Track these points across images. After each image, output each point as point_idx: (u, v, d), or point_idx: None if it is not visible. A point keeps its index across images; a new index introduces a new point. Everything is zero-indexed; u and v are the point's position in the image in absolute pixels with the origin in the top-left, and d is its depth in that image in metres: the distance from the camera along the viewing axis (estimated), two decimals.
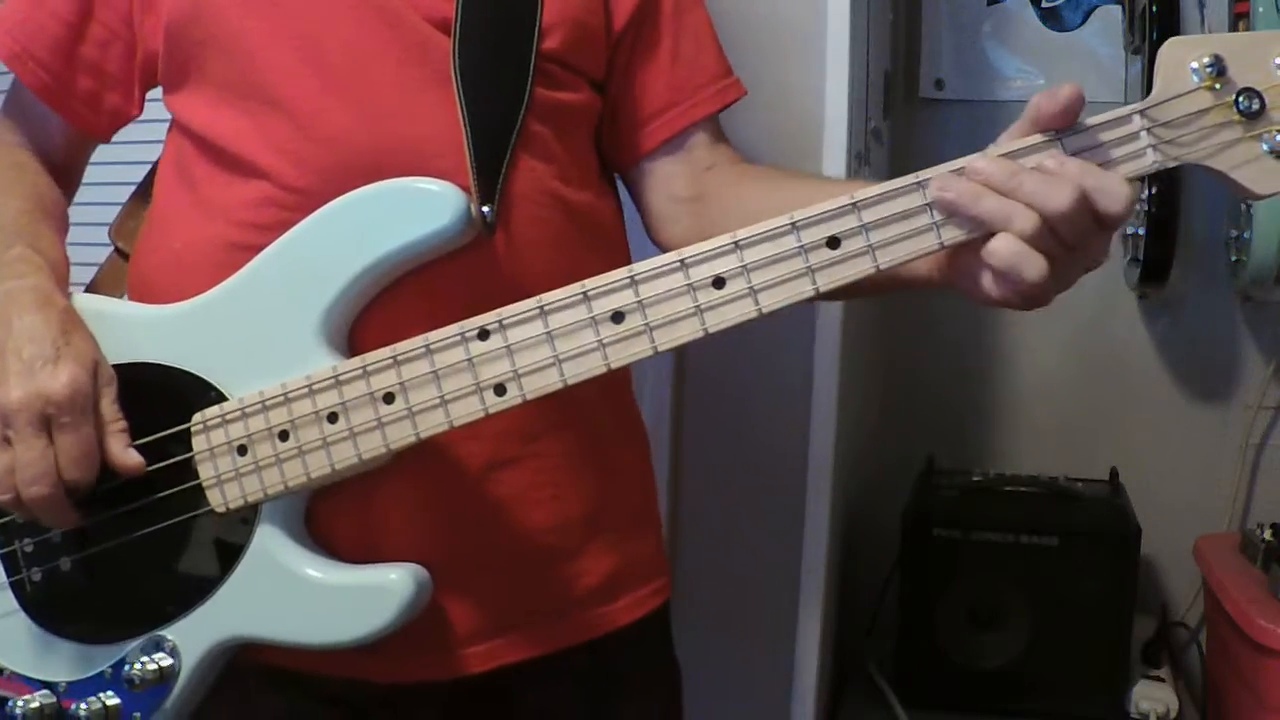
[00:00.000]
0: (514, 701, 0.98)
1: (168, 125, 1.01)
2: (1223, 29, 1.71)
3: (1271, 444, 1.83)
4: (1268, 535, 1.54)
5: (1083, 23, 1.86)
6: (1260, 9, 1.56)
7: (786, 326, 1.41)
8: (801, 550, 1.45)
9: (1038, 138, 0.78)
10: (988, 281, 0.79)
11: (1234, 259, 1.71)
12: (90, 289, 1.05)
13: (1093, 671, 1.54)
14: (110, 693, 0.90)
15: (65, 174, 1.04)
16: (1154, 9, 1.57)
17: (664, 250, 1.05)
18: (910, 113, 1.93)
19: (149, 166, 1.08)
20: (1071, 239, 0.76)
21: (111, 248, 1.08)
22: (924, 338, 1.92)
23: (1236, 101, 0.77)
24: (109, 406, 0.88)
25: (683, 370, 1.46)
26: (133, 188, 1.10)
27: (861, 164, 1.52)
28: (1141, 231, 1.65)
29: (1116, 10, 1.82)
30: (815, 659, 1.45)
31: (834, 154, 1.40)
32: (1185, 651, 1.82)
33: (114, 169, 1.13)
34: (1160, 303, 1.85)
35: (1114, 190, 0.76)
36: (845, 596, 1.69)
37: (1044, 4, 1.87)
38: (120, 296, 1.04)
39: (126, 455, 0.88)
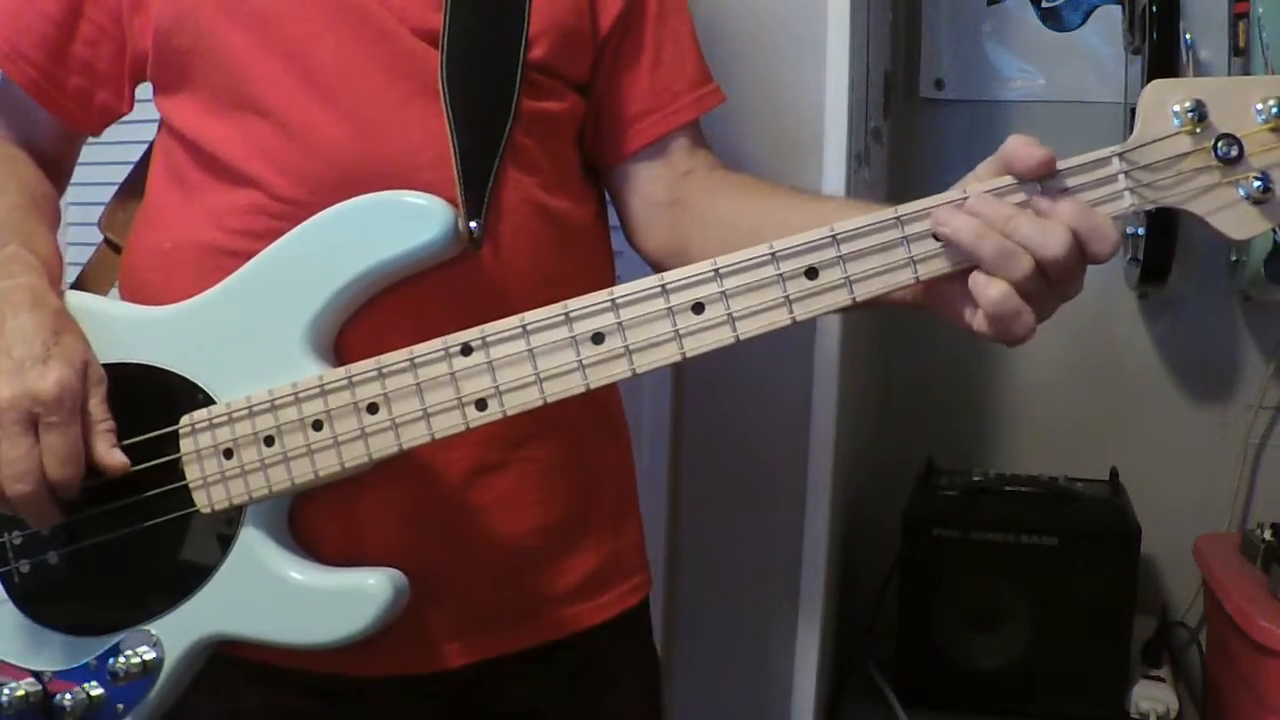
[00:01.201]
0: (497, 695, 0.99)
1: (159, 118, 1.00)
2: (1221, 33, 1.71)
3: (1271, 444, 1.83)
4: (1268, 535, 1.54)
5: (1083, 23, 1.86)
6: (1260, 9, 1.56)
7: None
8: (801, 550, 1.45)
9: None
10: (969, 314, 0.80)
11: (1234, 259, 1.71)
12: (79, 280, 1.05)
13: (1093, 671, 1.54)
14: (94, 683, 0.91)
15: (55, 168, 1.04)
16: (1154, 9, 1.57)
17: (641, 254, 1.06)
18: (910, 113, 1.93)
19: (139, 158, 1.07)
20: (1059, 278, 0.78)
21: (101, 239, 1.07)
22: (924, 338, 1.92)
23: (1215, 147, 0.78)
24: (97, 406, 0.88)
25: (683, 370, 1.47)
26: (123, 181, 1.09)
27: (861, 164, 1.52)
28: (1141, 231, 1.65)
29: (1116, 10, 1.82)
30: (815, 659, 1.45)
31: (834, 154, 1.40)
32: (1185, 651, 1.82)
33: (107, 168, 1.13)
34: (1160, 303, 1.85)
35: (1104, 233, 0.77)
36: (845, 596, 1.69)
37: (1044, 4, 1.87)
38: (110, 288, 1.05)
39: (111, 455, 0.88)
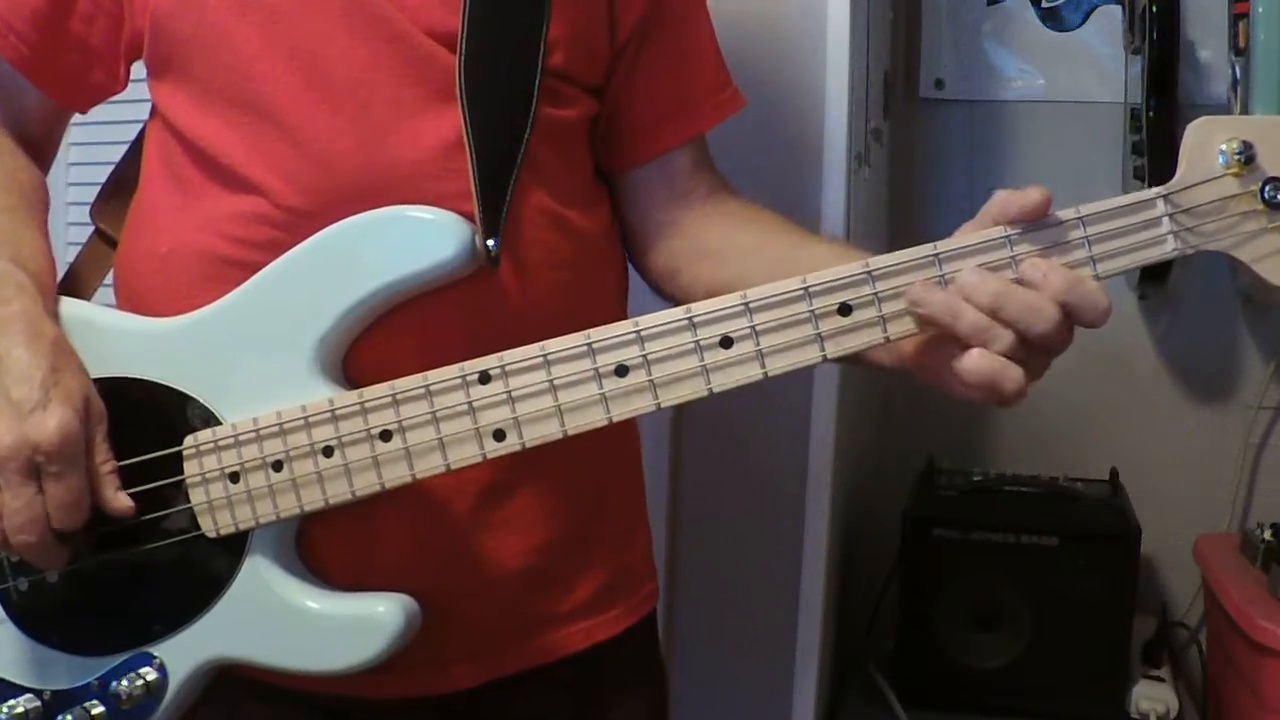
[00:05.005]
0: (505, 711, 0.97)
1: (151, 103, 0.97)
2: (1222, 33, 1.71)
3: (1271, 444, 1.83)
4: (1268, 535, 1.54)
5: (1083, 23, 1.86)
6: (1260, 9, 1.56)
7: None
8: (802, 550, 1.45)
9: (1067, 213, 0.77)
10: (958, 385, 0.79)
11: None
12: (70, 274, 1.02)
13: (1093, 671, 1.54)
14: (96, 703, 0.89)
15: (41, 149, 1.01)
16: (1154, 9, 1.57)
17: (637, 269, 1.04)
18: (910, 113, 1.93)
19: (130, 144, 1.04)
20: (1046, 346, 0.77)
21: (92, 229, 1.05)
22: None
23: (1262, 191, 0.75)
24: (99, 447, 0.85)
25: None
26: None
27: (861, 164, 1.52)
28: None
29: (1116, 10, 1.82)
30: (815, 659, 1.45)
31: (834, 154, 1.40)
32: (1185, 651, 1.82)
33: (109, 168, 1.11)
34: (1160, 303, 1.85)
35: (1095, 302, 0.76)
36: (845, 596, 1.69)
37: (1044, 4, 1.87)
38: (100, 281, 1.02)
39: (117, 499, 0.85)
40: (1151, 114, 1.57)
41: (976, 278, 0.77)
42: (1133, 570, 1.54)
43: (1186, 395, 1.87)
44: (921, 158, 1.92)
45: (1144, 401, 1.87)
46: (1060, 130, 1.84)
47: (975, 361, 0.76)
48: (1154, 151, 1.57)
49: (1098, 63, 1.85)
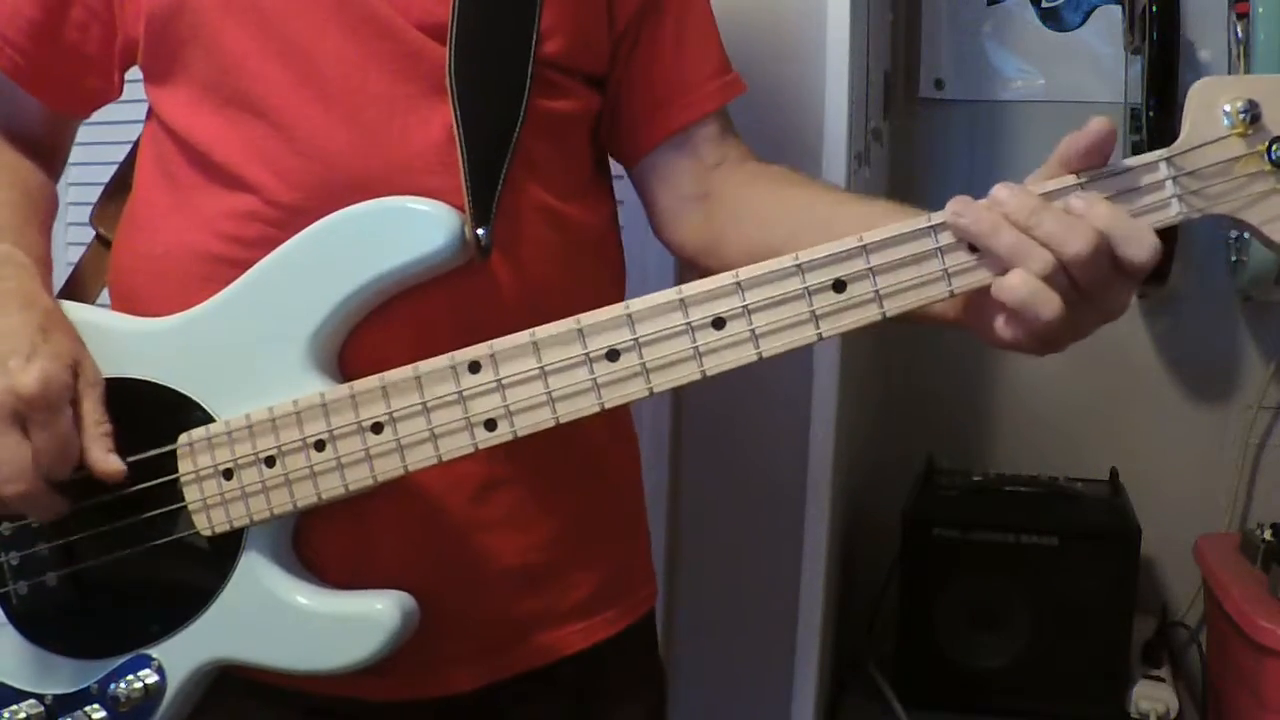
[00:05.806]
0: (503, 713, 0.97)
1: (147, 108, 0.97)
2: (1220, 32, 1.71)
3: (1271, 444, 1.83)
4: (1268, 535, 1.54)
5: (1083, 23, 1.86)
6: (1260, 9, 1.56)
7: None
8: (802, 550, 1.45)
9: (1066, 180, 0.75)
10: (1000, 323, 0.76)
11: (1234, 259, 1.71)
12: (72, 278, 1.03)
13: (1093, 671, 1.54)
14: (96, 706, 0.89)
15: (47, 154, 1.01)
16: (1154, 9, 1.57)
17: (670, 248, 1.04)
18: (910, 113, 1.93)
19: (129, 149, 1.04)
20: (1087, 285, 0.73)
21: (93, 234, 1.05)
22: (924, 337, 1.91)
23: (1269, 151, 0.72)
24: (92, 407, 0.85)
25: None
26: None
27: (861, 164, 1.52)
28: None
29: (1116, 10, 1.82)
30: (815, 659, 1.45)
31: (834, 154, 1.40)
32: (1185, 651, 1.82)
33: (108, 168, 1.11)
34: (1160, 303, 1.85)
35: (1140, 236, 0.73)
36: (845, 596, 1.69)
37: (1044, 4, 1.87)
38: (102, 285, 1.02)
39: (107, 461, 0.85)
40: (1151, 114, 1.57)
41: (1008, 193, 0.74)
42: (1133, 570, 1.54)
43: (1186, 395, 1.87)
44: (921, 158, 1.92)
45: (1144, 401, 1.87)
46: (1060, 130, 1.79)
47: (1013, 279, 0.73)
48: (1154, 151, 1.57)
49: (1098, 63, 1.85)
